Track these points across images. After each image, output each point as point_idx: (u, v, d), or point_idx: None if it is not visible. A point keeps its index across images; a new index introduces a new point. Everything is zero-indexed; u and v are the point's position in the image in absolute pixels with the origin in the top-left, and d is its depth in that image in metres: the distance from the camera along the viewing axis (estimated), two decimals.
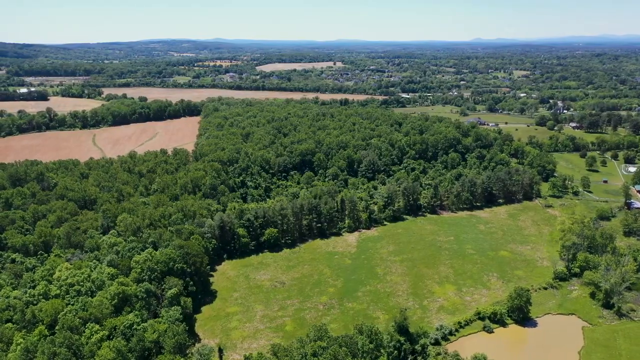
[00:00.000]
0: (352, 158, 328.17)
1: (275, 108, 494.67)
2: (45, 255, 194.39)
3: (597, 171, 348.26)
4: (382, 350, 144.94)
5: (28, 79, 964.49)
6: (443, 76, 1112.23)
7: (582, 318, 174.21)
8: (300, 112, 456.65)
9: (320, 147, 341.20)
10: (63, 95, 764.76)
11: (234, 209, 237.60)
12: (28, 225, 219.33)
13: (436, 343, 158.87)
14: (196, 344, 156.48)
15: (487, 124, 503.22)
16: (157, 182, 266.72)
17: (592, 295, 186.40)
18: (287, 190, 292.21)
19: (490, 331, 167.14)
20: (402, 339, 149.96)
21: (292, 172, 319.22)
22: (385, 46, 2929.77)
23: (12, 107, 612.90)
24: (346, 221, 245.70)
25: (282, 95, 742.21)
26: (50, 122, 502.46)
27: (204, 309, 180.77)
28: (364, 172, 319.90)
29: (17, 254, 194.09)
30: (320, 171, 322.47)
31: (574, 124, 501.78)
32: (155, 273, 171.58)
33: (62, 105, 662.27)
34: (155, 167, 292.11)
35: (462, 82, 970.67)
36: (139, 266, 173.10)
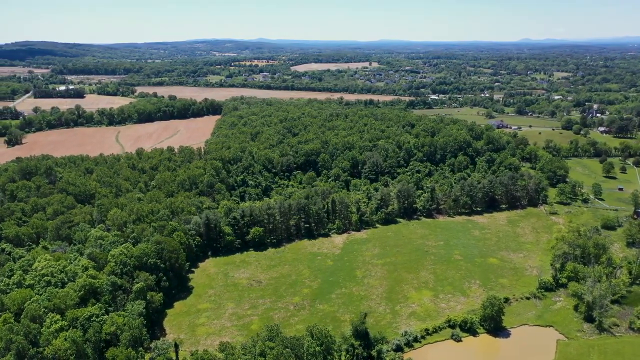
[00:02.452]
0: (356, 159, 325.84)
1: (291, 108, 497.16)
2: (33, 246, 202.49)
3: (614, 178, 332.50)
4: (334, 354, 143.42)
5: (70, 77, 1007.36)
6: (479, 77, 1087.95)
7: (560, 331, 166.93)
8: (314, 112, 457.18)
9: (326, 148, 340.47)
10: (99, 93, 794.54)
11: (225, 206, 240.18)
12: (26, 217, 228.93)
13: (398, 349, 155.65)
14: (161, 338, 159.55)
15: (510, 127, 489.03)
16: (156, 178, 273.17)
17: (576, 308, 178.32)
18: (285, 190, 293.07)
19: (458, 340, 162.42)
20: (356, 343, 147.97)
21: (295, 172, 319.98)
22: (427, 46, 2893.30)
23: (49, 104, 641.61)
24: (336, 222, 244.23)
25: (309, 95, 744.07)
26: (79, 119, 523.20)
27: (176, 304, 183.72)
28: (367, 174, 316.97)
29: (8, 244, 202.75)
30: (324, 171, 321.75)
31: (602, 128, 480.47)
32: (128, 267, 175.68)
33: (96, 103, 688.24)
34: (158, 164, 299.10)
35: (496, 84, 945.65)
36: (114, 260, 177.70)
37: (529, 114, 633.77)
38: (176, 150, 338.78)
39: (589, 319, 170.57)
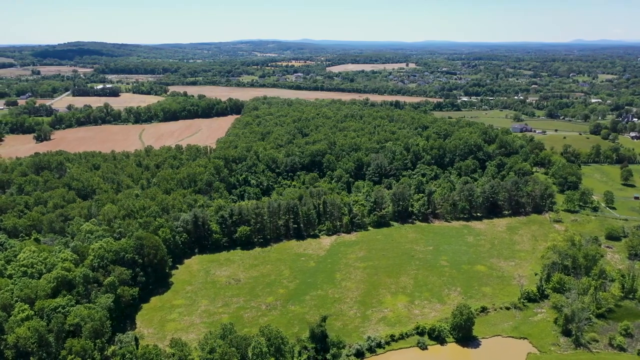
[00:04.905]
0: (361, 161, 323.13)
1: (308, 108, 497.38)
2: (27, 238, 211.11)
3: (633, 186, 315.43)
4: (286, 355, 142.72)
5: (110, 77, 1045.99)
6: (517, 79, 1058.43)
7: (533, 344, 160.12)
8: (330, 113, 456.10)
9: (333, 149, 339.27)
10: (134, 92, 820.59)
11: (216, 205, 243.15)
12: (28, 210, 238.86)
13: (359, 354, 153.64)
14: (127, 332, 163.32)
15: (534, 131, 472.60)
16: (157, 176, 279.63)
17: (557, 321, 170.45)
18: (286, 190, 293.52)
19: (423, 347, 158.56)
20: (310, 345, 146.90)
21: (299, 173, 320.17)
22: (472, 47, 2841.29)
23: (84, 102, 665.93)
24: (326, 224, 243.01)
25: (337, 96, 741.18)
26: (107, 117, 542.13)
27: (153, 299, 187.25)
28: (370, 176, 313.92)
29: (4, 235, 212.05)
30: (328, 172, 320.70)
31: (634, 134, 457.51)
32: (105, 261, 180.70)
33: (129, 101, 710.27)
34: (163, 162, 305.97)
35: (533, 86, 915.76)
36: (94, 253, 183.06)
37: (561, 117, 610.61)
38: (184, 148, 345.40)
39: (567, 332, 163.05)
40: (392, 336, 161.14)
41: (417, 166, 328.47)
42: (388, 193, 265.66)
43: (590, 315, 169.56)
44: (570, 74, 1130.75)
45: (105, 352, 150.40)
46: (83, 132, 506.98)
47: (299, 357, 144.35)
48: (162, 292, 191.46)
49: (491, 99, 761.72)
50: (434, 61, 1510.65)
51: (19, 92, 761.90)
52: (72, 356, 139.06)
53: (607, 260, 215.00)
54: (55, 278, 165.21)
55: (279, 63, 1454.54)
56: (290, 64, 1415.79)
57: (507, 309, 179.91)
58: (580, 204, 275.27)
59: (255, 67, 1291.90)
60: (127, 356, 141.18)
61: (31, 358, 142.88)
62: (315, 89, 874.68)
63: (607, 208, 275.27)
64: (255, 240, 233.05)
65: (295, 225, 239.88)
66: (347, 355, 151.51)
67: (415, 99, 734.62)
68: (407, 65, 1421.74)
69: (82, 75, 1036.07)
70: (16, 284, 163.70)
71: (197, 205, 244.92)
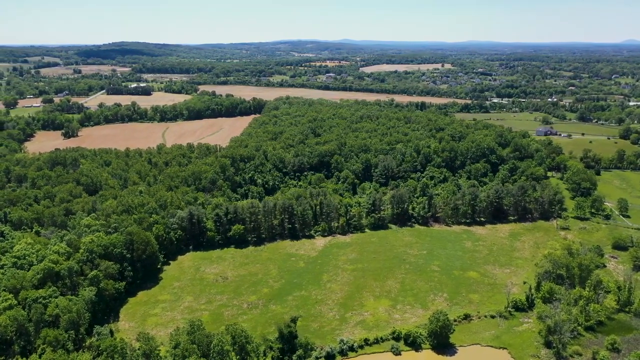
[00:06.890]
0: (369, 162, 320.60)
1: (325, 108, 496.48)
2: (28, 230, 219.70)
3: None
4: (252, 354, 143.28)
5: (146, 76, 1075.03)
6: (555, 81, 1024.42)
7: (512, 354, 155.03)
8: (347, 114, 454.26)
9: (342, 149, 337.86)
10: (166, 91, 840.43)
11: (213, 203, 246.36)
12: (36, 204, 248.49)
13: (330, 357, 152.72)
14: (107, 325, 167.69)
15: (559, 134, 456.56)
16: (163, 173, 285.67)
17: (541, 332, 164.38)
18: (290, 190, 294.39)
19: (397, 353, 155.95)
20: (276, 345, 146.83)
21: (306, 173, 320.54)
22: (515, 48, 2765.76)
23: (116, 100, 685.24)
24: (321, 224, 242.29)
25: (364, 97, 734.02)
26: (133, 115, 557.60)
27: (140, 293, 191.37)
28: (377, 177, 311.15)
29: (9, 227, 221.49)
30: (336, 173, 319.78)
31: None
32: (94, 255, 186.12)
33: (159, 100, 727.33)
34: (172, 159, 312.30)
35: (570, 88, 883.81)
36: (84, 247, 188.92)
37: (594, 120, 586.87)
38: (195, 146, 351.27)
39: (549, 344, 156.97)
40: (366, 340, 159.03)
41: (427, 169, 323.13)
42: (388, 195, 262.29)
43: (578, 328, 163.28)
44: (613, 76, 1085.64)
45: (84, 344, 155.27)
46: (109, 129, 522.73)
47: (264, 357, 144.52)
48: (150, 287, 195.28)
49: (523, 101, 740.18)
50: (471, 62, 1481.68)
51: (57, 90, 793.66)
52: (45, 345, 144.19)
53: (609, 270, 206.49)
54: (42, 270, 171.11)
55: (314, 63, 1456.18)
56: (324, 64, 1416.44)
57: (492, 317, 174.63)
58: (592, 211, 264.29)
59: (289, 67, 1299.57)
60: (100, 348, 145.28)
61: (13, 346, 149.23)
62: (344, 89, 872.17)
63: (621, 216, 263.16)
64: (250, 239, 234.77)
65: (290, 226, 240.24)
66: (317, 358, 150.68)
67: (443, 100, 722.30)
68: (442, 65, 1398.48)
69: (119, 75, 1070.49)
70: (5, 274, 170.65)
71: (197, 203, 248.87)
